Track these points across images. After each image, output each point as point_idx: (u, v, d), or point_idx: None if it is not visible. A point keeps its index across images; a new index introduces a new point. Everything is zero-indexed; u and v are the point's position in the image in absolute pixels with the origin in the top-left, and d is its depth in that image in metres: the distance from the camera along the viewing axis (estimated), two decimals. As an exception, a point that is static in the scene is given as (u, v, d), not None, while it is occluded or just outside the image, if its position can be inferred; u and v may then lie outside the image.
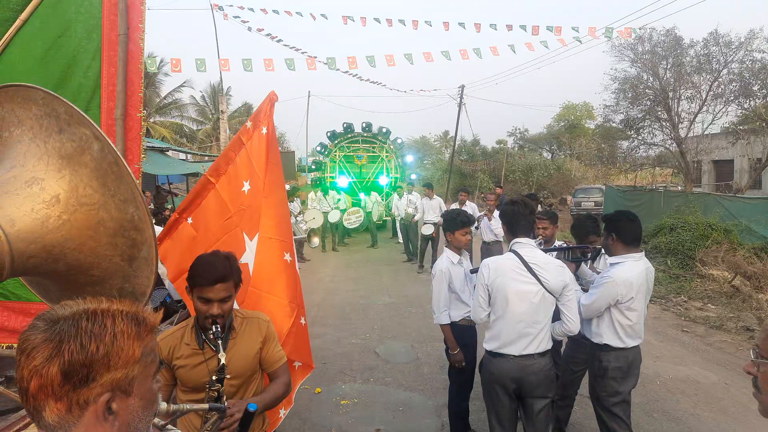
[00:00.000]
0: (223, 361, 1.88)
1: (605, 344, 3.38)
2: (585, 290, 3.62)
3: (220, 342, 1.95)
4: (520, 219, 3.18)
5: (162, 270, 3.22)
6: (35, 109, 1.43)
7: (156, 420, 1.21)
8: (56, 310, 0.99)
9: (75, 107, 1.43)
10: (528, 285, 3.06)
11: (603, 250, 3.80)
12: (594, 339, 3.43)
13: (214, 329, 1.96)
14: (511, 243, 3.22)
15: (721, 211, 13.19)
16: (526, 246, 3.14)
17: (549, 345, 3.17)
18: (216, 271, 2.01)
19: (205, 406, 1.42)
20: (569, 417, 4.27)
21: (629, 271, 3.26)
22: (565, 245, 3.93)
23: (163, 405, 1.22)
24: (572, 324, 3.17)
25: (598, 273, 3.75)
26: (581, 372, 4.10)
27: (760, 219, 12.01)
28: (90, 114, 2.67)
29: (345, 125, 18.71)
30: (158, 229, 5.16)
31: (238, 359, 2.12)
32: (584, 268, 3.84)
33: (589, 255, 3.90)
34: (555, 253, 3.71)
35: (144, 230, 1.48)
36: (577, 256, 3.77)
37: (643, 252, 3.39)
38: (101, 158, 1.42)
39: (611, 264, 3.39)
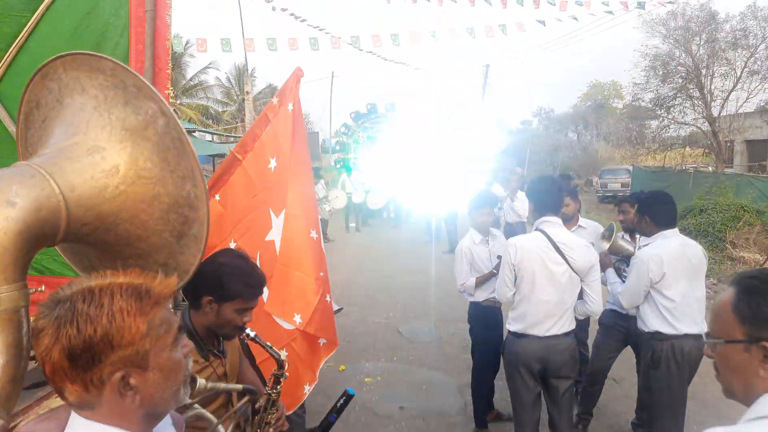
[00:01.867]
0: (283, 357, 1.86)
1: (656, 331, 3.22)
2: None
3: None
4: (546, 197, 3.11)
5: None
6: (102, 78, 1.44)
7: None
8: (59, 291, 0.98)
9: (145, 81, 1.43)
10: (555, 265, 3.01)
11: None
12: (644, 328, 3.30)
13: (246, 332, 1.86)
14: (538, 221, 3.15)
15: (753, 192, 12.82)
16: (554, 225, 3.08)
17: (573, 325, 3.14)
18: (262, 281, 1.92)
19: (239, 386, 1.42)
20: (597, 400, 4.24)
21: (658, 248, 3.17)
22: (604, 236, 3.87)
23: (202, 381, 1.22)
24: (595, 305, 3.12)
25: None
26: (613, 358, 4.05)
27: (796, 201, 11.64)
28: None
29: (369, 106, 18.62)
30: None
31: (231, 363, 2.04)
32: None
33: (636, 241, 3.80)
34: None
35: (198, 208, 1.47)
36: (626, 253, 3.75)
37: (677, 229, 3.26)
38: (165, 133, 1.42)
39: (641, 246, 3.32)
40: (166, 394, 1.02)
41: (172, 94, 2.76)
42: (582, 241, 3.16)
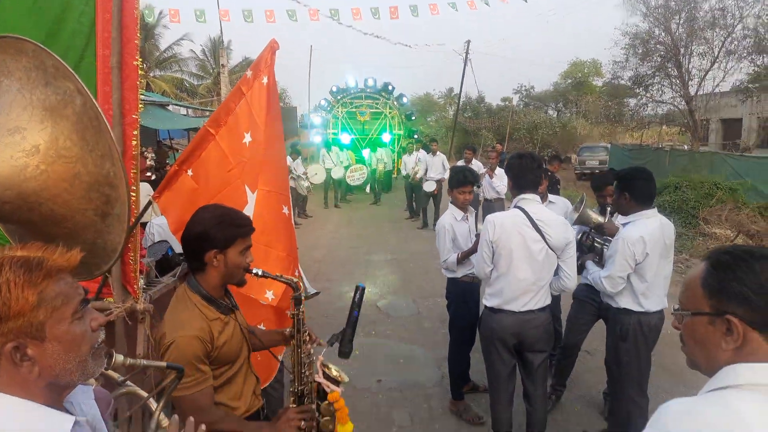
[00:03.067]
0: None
1: (624, 308, 3.29)
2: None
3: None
4: (527, 173, 3.10)
5: (163, 221, 3.20)
6: (25, 60, 1.45)
7: (116, 375, 1.22)
8: None
9: (62, 62, 1.45)
10: (533, 243, 3.02)
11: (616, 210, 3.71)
12: (612, 304, 3.35)
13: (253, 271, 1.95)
14: (516, 199, 3.15)
15: (727, 170, 13.08)
16: (532, 202, 3.09)
17: (548, 301, 3.18)
18: (248, 218, 1.99)
19: (163, 364, 1.42)
20: (571, 372, 4.34)
21: (641, 229, 3.14)
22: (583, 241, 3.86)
23: (120, 357, 1.22)
24: (569, 280, 3.16)
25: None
26: (586, 331, 4.13)
27: (767, 178, 11.89)
28: (85, 62, 2.59)
29: (348, 81, 18.39)
30: (144, 186, 5.14)
31: (240, 314, 2.12)
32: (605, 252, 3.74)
33: (608, 210, 3.81)
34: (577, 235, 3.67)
35: (118, 187, 1.50)
36: (592, 224, 3.73)
37: (656, 208, 3.26)
38: (83, 112, 1.44)
39: (622, 224, 3.29)
40: (69, 365, 1.03)
41: (141, 64, 2.66)
42: (559, 218, 3.17)
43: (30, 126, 1.43)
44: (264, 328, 3.03)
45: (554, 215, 3.17)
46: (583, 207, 3.85)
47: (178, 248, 3.53)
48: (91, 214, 1.51)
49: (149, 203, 3.39)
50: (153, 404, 1.35)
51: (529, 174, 3.10)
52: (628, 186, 3.22)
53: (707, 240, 9.82)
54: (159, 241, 3.74)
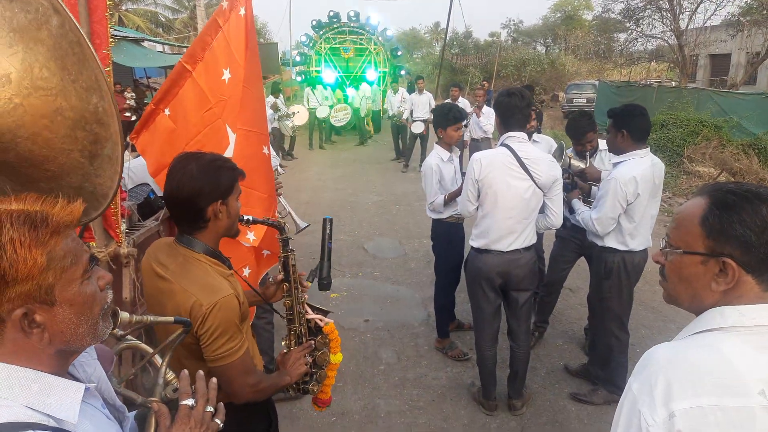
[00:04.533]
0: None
1: (610, 247, 3.29)
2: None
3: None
4: (515, 112, 3.01)
5: (141, 163, 3.10)
6: None
7: (116, 330, 1.15)
8: None
9: None
10: (519, 181, 2.99)
11: (605, 147, 3.65)
12: (598, 242, 3.35)
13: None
14: (503, 137, 3.08)
15: (713, 107, 13.01)
16: (520, 140, 3.02)
17: (534, 239, 3.19)
18: (233, 161, 1.84)
19: (170, 319, 1.35)
20: (553, 308, 4.44)
21: (633, 169, 3.08)
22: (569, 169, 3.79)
23: (126, 315, 1.14)
24: (556, 218, 3.16)
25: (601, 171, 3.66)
26: (568, 269, 4.19)
27: (752, 115, 11.89)
28: (46, -8, 2.40)
29: (331, 14, 17.65)
30: None
31: None
32: (595, 191, 3.67)
33: (587, 159, 3.75)
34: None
35: (109, 125, 1.32)
36: (575, 170, 3.67)
37: (648, 148, 3.20)
38: (61, 36, 1.22)
39: (614, 164, 3.23)
40: (81, 329, 0.95)
41: (109, -3, 2.48)
42: (546, 155, 3.13)
43: None
44: (249, 271, 3.03)
45: (541, 153, 3.12)
46: (565, 155, 3.80)
47: (160, 191, 3.45)
48: (77, 155, 1.34)
49: (126, 144, 3.27)
50: (158, 360, 1.29)
51: (518, 112, 3.02)
52: (624, 123, 3.13)
53: (691, 178, 9.91)
54: (140, 184, 3.64)
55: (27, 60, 1.22)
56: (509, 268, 3.14)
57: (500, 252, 3.11)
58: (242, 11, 2.77)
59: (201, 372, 1.21)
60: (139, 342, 1.33)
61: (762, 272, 1.03)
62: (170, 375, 1.26)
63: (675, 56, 19.28)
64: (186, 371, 1.21)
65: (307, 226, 3.94)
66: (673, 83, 20.16)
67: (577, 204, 3.58)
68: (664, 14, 18.80)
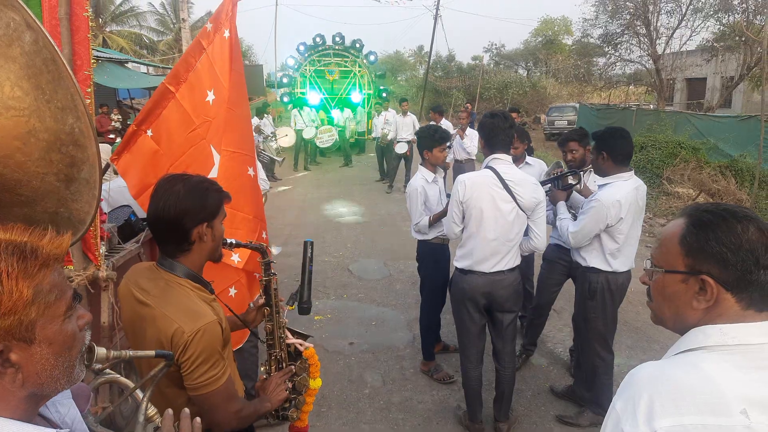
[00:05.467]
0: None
1: (593, 267, 3.31)
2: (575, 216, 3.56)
3: None
4: (498, 133, 3.04)
5: (122, 184, 3.07)
6: None
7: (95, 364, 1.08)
8: None
9: None
10: (503, 203, 3.01)
11: (591, 168, 3.67)
12: (582, 262, 3.37)
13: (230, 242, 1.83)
14: (488, 159, 3.11)
15: (691, 129, 13.34)
16: (504, 162, 3.05)
17: (518, 261, 3.20)
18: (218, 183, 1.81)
19: (151, 353, 1.28)
20: (541, 332, 4.44)
21: (618, 192, 3.11)
22: (554, 174, 3.79)
23: (102, 350, 1.06)
24: (539, 240, 3.18)
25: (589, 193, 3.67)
26: (557, 291, 4.19)
27: (728, 137, 12.19)
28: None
29: (316, 37, 17.83)
30: (104, 147, 4.89)
31: None
32: (576, 196, 3.70)
33: (581, 178, 3.77)
34: (547, 186, 3.59)
35: (86, 147, 1.26)
36: (567, 183, 3.64)
37: (633, 171, 3.24)
38: (34, 53, 1.16)
39: (599, 186, 3.26)
40: (56, 371, 0.88)
41: (96, 19, 2.47)
42: (530, 178, 3.16)
43: None
44: (235, 291, 2.98)
45: (525, 175, 3.15)
46: (559, 168, 3.85)
47: (141, 213, 3.40)
48: (52, 179, 1.26)
49: (107, 166, 3.22)
50: (139, 394, 1.21)
51: (501, 134, 3.05)
52: (606, 145, 3.17)
53: (670, 199, 10.07)
54: (121, 206, 3.59)
55: None
56: (493, 288, 3.14)
57: (484, 273, 3.11)
58: (226, 33, 2.78)
59: (186, 410, 1.16)
60: (118, 375, 1.26)
61: (741, 290, 1.05)
62: (152, 411, 1.20)
63: (653, 80, 19.79)
64: (170, 411, 1.15)
65: (279, 251, 3.94)
66: (652, 106, 20.64)
67: (562, 208, 3.58)
68: (642, 39, 19.36)
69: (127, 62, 15.15)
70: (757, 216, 1.10)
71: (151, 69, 19.63)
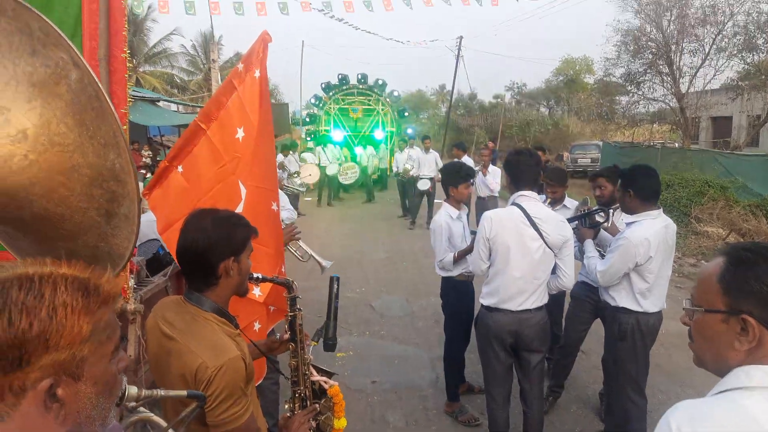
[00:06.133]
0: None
1: (623, 307, 3.23)
2: (603, 254, 3.50)
3: None
4: (525, 170, 3.04)
5: (152, 218, 3.13)
6: (4, 22, 1.19)
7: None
8: None
9: (52, 24, 1.19)
10: (530, 240, 2.97)
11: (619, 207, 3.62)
12: (611, 302, 3.29)
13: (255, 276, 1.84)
14: (514, 196, 3.09)
15: (718, 168, 13.13)
16: (530, 199, 3.03)
17: (545, 300, 3.14)
18: (245, 218, 1.84)
19: (183, 393, 1.27)
20: (569, 372, 4.31)
21: (647, 230, 3.05)
22: (581, 211, 3.75)
23: (134, 389, 1.06)
24: (567, 279, 3.12)
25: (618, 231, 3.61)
26: (585, 330, 4.09)
27: (757, 176, 11.96)
28: (72, 54, 2.50)
29: (340, 77, 18.30)
30: None
31: None
32: (604, 234, 3.64)
33: (609, 216, 3.72)
34: (574, 223, 3.53)
35: (126, 182, 1.28)
36: (594, 221, 3.59)
37: (661, 209, 3.18)
38: (80, 90, 1.19)
39: (627, 224, 3.21)
40: (94, 412, 0.87)
41: (131, 60, 2.59)
42: (557, 215, 3.13)
43: (14, 106, 1.17)
44: (260, 326, 2.97)
45: (551, 212, 3.12)
46: (587, 206, 3.81)
47: (167, 248, 3.45)
48: (93, 214, 1.28)
49: (139, 200, 3.29)
50: None
51: (527, 171, 3.05)
52: (632, 183, 3.14)
53: (699, 238, 9.84)
54: (150, 239, 3.66)
55: (45, 115, 1.20)
56: (520, 327, 3.08)
57: (510, 311, 3.05)
58: (257, 73, 2.87)
59: None
60: (152, 414, 1.24)
61: None
62: None
63: (677, 118, 19.66)
64: None
65: (330, 264, 3.98)
66: (677, 144, 20.46)
67: (589, 246, 3.52)
68: (665, 78, 19.35)
69: (158, 101, 15.70)
70: None
71: (180, 107, 20.31)
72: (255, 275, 1.84)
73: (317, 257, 3.84)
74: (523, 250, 2.98)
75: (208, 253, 1.61)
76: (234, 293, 1.74)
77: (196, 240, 1.61)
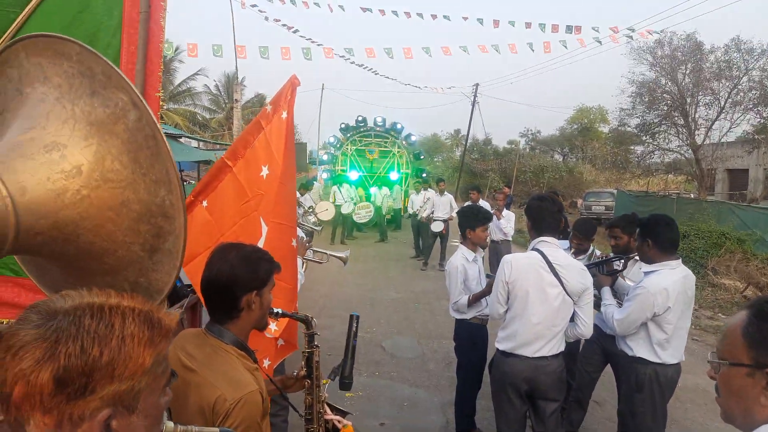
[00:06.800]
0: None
1: (640, 357, 3.18)
2: (620, 302, 3.47)
3: None
4: (546, 216, 3.07)
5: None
6: (67, 65, 1.25)
7: None
8: (55, 302, 0.83)
9: (115, 68, 1.25)
10: (550, 287, 2.97)
11: (637, 257, 3.62)
12: (628, 352, 3.25)
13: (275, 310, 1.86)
14: (535, 241, 3.11)
15: (734, 220, 13.03)
16: (551, 245, 3.05)
17: (562, 347, 3.11)
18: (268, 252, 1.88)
19: (216, 429, 1.29)
20: (582, 421, 4.21)
21: (665, 280, 3.05)
22: (598, 258, 3.77)
23: (170, 424, 1.06)
24: (586, 328, 3.09)
25: (631, 282, 3.58)
26: (597, 374, 4.02)
27: (775, 230, 11.83)
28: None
29: (358, 119, 18.69)
30: None
31: None
32: (621, 282, 3.63)
33: (626, 264, 3.68)
34: (592, 270, 3.55)
35: (175, 219, 1.30)
36: (612, 269, 3.59)
37: (680, 259, 3.17)
38: (137, 129, 1.23)
39: (645, 273, 3.20)
40: None
41: (162, 96, 2.71)
42: (578, 263, 3.14)
43: (71, 143, 1.20)
44: (269, 362, 2.98)
45: (572, 260, 3.13)
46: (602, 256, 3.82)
47: (186, 280, 3.50)
48: (137, 249, 1.29)
49: (185, 237, 3.38)
50: None
51: (549, 217, 3.08)
52: (651, 233, 3.14)
53: (716, 290, 9.69)
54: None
55: (100, 152, 1.24)
56: (536, 374, 3.04)
57: (527, 357, 3.03)
58: (284, 114, 2.98)
59: None
60: None
61: None
62: None
63: (692, 170, 19.64)
64: None
65: (348, 253, 4.33)
66: (692, 195, 20.38)
67: (606, 294, 3.50)
68: (680, 130, 19.44)
69: (180, 137, 16.08)
70: None
71: (201, 144, 20.80)
72: (275, 310, 1.86)
73: (335, 254, 3.96)
74: (542, 296, 2.98)
75: (232, 285, 1.64)
76: (254, 327, 1.76)
77: (222, 272, 1.65)
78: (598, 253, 4.35)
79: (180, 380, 1.66)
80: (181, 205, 1.31)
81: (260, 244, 2.83)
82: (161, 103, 2.72)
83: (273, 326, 2.93)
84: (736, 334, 1.10)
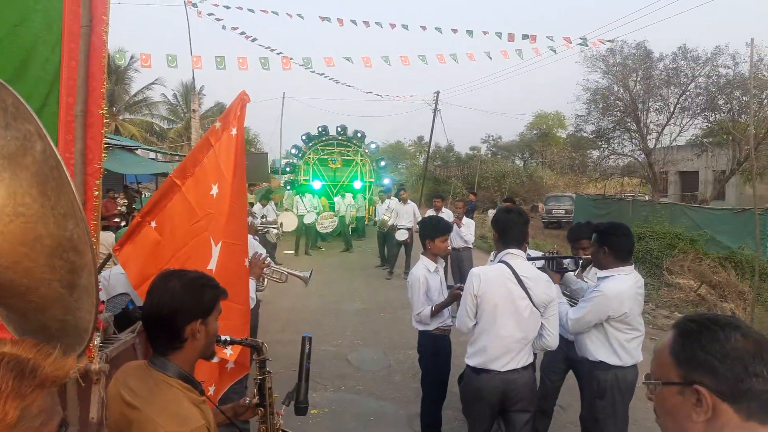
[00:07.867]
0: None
1: (601, 362, 3.22)
2: (571, 300, 3.52)
3: None
4: (513, 228, 3.08)
5: (121, 272, 3.07)
6: None
7: None
8: None
9: (21, 99, 1.22)
10: (518, 300, 2.97)
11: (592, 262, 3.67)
12: (588, 357, 3.29)
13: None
14: (502, 253, 3.11)
15: (686, 221, 13.53)
16: (518, 258, 3.05)
17: (531, 358, 3.12)
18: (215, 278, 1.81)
19: None
20: (548, 428, 4.23)
21: (621, 285, 3.12)
22: (549, 254, 3.80)
23: None
24: (552, 339, 3.10)
25: (586, 283, 3.63)
26: (559, 382, 4.06)
27: (724, 229, 12.33)
28: (48, 110, 2.49)
29: (320, 128, 18.61)
30: (107, 236, 4.94)
31: None
32: (581, 282, 3.66)
33: (579, 263, 3.72)
34: (539, 263, 3.59)
35: (84, 253, 1.25)
36: (562, 266, 3.63)
37: (633, 265, 3.26)
38: (43, 161, 1.19)
39: (600, 278, 3.26)
40: None
41: (107, 112, 2.60)
42: (543, 275, 3.15)
43: None
44: (214, 388, 2.87)
45: (538, 272, 3.14)
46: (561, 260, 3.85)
47: (139, 301, 3.36)
48: (57, 286, 1.25)
49: (108, 256, 3.23)
50: None
51: (515, 228, 3.09)
52: (608, 241, 3.21)
53: (672, 290, 10.00)
54: (119, 294, 3.56)
55: (12, 186, 1.19)
56: (507, 387, 3.03)
57: (498, 372, 3.01)
58: (234, 131, 2.91)
59: None
60: None
61: (737, 400, 1.03)
62: None
63: (646, 173, 20.33)
64: None
65: (311, 272, 4.35)
66: (647, 197, 21.09)
67: (569, 277, 3.55)
68: (633, 135, 20.12)
69: (136, 149, 15.68)
70: (743, 323, 1.12)
71: (159, 155, 20.29)
72: (222, 338, 1.78)
73: (295, 272, 3.87)
74: (512, 308, 2.97)
75: (175, 315, 1.57)
76: (200, 356, 1.69)
77: (162, 303, 1.57)
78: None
79: (121, 418, 1.58)
80: (88, 238, 1.25)
81: (212, 266, 2.74)
82: (107, 119, 2.61)
83: (228, 351, 2.83)
84: (665, 353, 1.13)
